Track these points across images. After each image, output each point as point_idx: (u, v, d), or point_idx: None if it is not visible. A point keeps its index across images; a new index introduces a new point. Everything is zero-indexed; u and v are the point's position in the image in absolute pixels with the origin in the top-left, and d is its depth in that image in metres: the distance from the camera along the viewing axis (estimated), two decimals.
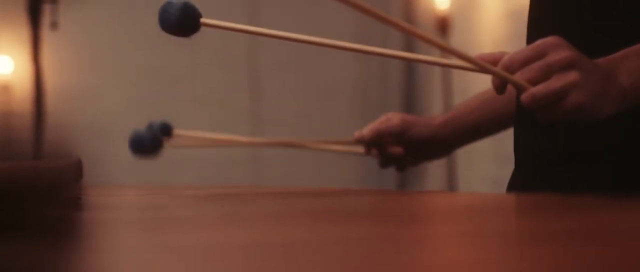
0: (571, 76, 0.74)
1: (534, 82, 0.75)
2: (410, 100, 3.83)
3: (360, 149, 1.15)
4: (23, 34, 2.00)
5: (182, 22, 0.82)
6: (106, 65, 3.85)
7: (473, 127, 1.13)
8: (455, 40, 3.26)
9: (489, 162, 2.97)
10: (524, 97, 0.76)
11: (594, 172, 0.86)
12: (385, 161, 1.15)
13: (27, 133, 0.31)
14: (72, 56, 3.76)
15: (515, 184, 0.97)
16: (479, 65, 0.80)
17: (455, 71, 3.20)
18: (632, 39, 0.81)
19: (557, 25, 0.91)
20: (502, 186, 1.02)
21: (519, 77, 0.76)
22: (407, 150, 1.13)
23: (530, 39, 0.98)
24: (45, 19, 1.92)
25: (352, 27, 4.02)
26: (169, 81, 3.79)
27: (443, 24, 3.19)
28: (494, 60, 0.80)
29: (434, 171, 3.52)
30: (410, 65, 3.86)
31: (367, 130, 1.12)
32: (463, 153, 3.33)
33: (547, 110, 0.76)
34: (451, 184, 3.17)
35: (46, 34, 1.93)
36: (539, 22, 0.97)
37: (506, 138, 1.09)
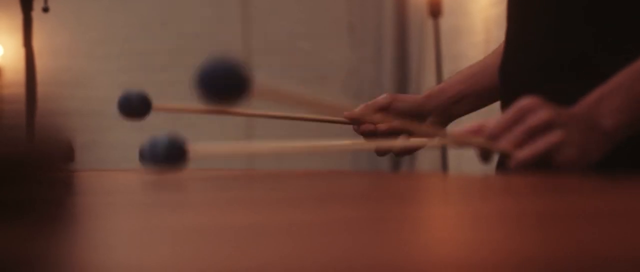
0: (554, 136, 0.76)
1: (520, 146, 0.77)
2: (403, 84, 3.83)
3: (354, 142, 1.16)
4: (14, 18, 1.99)
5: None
6: (98, 50, 3.84)
7: (460, 98, 1.14)
8: (447, 24, 3.26)
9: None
10: (512, 164, 0.77)
11: None
12: (380, 143, 1.14)
13: (18, 118, 0.31)
14: (64, 41, 3.74)
15: (504, 164, 0.98)
16: (463, 141, 0.83)
17: (446, 56, 3.20)
18: (616, 31, 0.83)
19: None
20: (492, 165, 1.03)
21: (504, 144, 0.78)
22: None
23: (511, 21, 0.99)
24: (37, 3, 1.91)
25: (343, 13, 4.01)
26: (161, 66, 3.78)
27: (435, 8, 3.19)
28: (477, 129, 0.81)
29: (426, 151, 3.52)
30: (403, 50, 3.86)
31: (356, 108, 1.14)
32: None
33: (537, 170, 0.78)
34: (443, 165, 3.18)
35: (38, 18, 1.92)
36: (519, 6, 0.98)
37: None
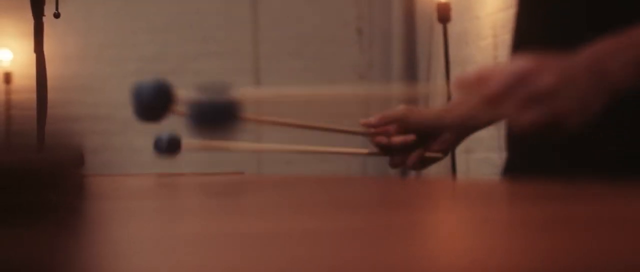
0: (559, 103, 0.73)
1: (522, 111, 0.74)
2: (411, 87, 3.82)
3: (364, 150, 1.15)
4: (25, 24, 2.00)
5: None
6: (108, 55, 3.84)
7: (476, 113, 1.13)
8: (455, 29, 3.25)
9: (489, 148, 2.96)
10: (516, 130, 0.75)
11: (590, 155, 0.87)
12: (395, 155, 1.13)
13: (29, 123, 0.31)
14: (75, 46, 3.75)
15: (509, 170, 0.98)
16: (467, 108, 0.80)
17: (454, 60, 3.19)
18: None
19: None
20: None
21: (505, 108, 0.75)
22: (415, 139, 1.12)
23: (518, 30, 0.99)
24: (48, 9, 1.92)
25: (352, 17, 4.01)
26: (171, 71, 3.79)
27: (444, 13, 3.18)
28: (481, 79, 0.78)
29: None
30: (411, 54, 3.86)
31: (373, 117, 1.13)
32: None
33: (540, 136, 0.76)
34: (452, 170, 3.17)
35: (48, 24, 1.93)
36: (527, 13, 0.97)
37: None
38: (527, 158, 0.95)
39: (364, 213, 0.51)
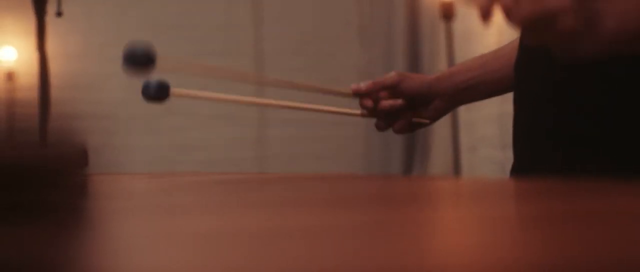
0: (572, 16, 0.70)
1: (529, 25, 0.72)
2: None
3: (356, 110, 1.16)
4: (28, 22, 2.01)
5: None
6: (110, 53, 3.85)
7: (470, 84, 1.12)
8: (459, 27, 3.25)
9: (493, 146, 2.96)
10: (512, 19, 0.72)
11: (593, 155, 0.87)
12: (383, 118, 1.14)
13: (32, 121, 0.31)
14: (77, 44, 3.76)
15: (517, 167, 0.98)
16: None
17: (458, 58, 3.19)
18: None
19: None
20: (507, 169, 1.03)
21: (518, 13, 0.71)
22: (404, 104, 1.12)
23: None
24: (50, 7, 1.92)
25: (354, 15, 4.01)
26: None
27: (447, 11, 3.18)
28: None
29: (438, 155, 3.51)
30: (414, 53, 3.86)
31: (364, 82, 1.13)
32: (467, 137, 3.33)
33: (535, 33, 0.73)
34: (456, 168, 3.17)
35: (51, 22, 1.93)
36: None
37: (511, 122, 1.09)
38: (533, 163, 0.94)
39: (367, 210, 0.51)
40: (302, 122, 3.77)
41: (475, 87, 1.12)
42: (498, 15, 0.75)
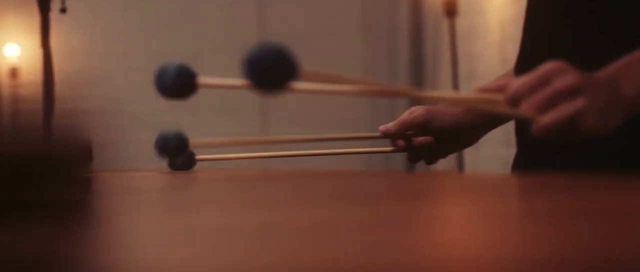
0: (579, 103, 0.73)
1: (542, 111, 0.74)
2: (418, 85, 3.82)
3: (386, 147, 1.16)
4: (32, 18, 2.01)
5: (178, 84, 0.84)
6: (114, 50, 3.85)
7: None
8: (462, 24, 3.25)
9: (496, 143, 2.96)
10: (535, 130, 0.75)
11: (595, 153, 0.86)
12: (414, 153, 1.14)
13: (36, 118, 0.31)
14: (81, 41, 3.76)
15: (519, 165, 0.98)
16: (485, 101, 0.80)
17: (462, 55, 3.19)
18: (633, 36, 0.81)
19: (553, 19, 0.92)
20: (509, 165, 1.03)
21: (526, 107, 0.75)
22: (433, 141, 1.13)
23: (526, 38, 0.99)
24: (54, 4, 1.92)
25: (358, 13, 4.01)
26: None
27: (450, 8, 3.18)
28: (498, 89, 0.79)
29: None
30: (418, 50, 3.85)
31: (392, 123, 1.12)
32: None
33: (558, 138, 0.75)
34: (459, 164, 3.17)
35: (55, 18, 1.93)
36: (536, 19, 0.97)
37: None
38: (536, 154, 0.95)
39: (371, 206, 0.51)
40: (305, 120, 3.77)
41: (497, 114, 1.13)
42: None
